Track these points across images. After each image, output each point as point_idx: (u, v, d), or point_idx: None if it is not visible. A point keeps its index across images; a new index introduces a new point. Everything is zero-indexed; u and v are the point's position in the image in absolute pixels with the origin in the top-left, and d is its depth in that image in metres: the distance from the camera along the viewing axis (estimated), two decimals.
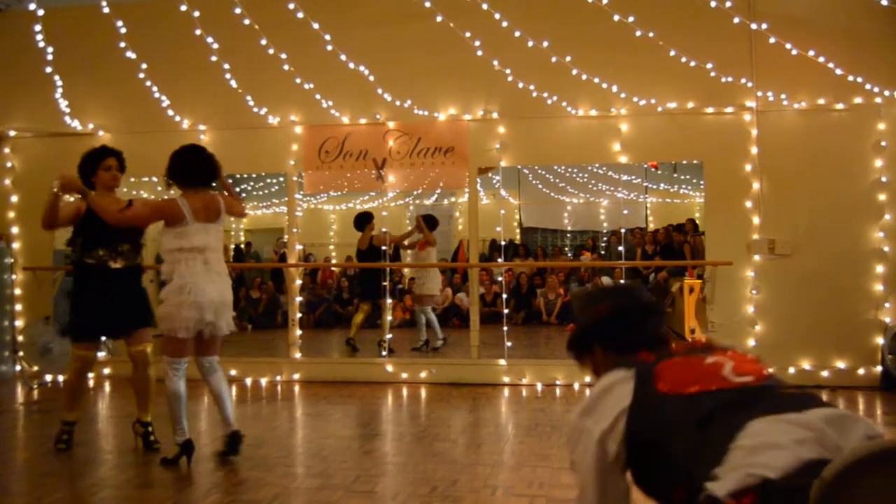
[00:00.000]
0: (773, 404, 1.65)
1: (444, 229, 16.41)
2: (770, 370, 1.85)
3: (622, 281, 9.56)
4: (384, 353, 8.26)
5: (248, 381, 7.73)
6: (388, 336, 8.64)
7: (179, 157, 4.92)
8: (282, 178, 9.77)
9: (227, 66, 7.67)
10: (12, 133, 8.38)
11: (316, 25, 7.32)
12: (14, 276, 8.31)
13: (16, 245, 8.34)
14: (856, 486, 1.41)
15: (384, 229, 9.26)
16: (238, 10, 7.32)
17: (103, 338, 5.57)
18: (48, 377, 7.80)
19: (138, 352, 5.21)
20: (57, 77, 7.91)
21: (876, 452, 1.41)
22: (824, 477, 1.36)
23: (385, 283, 8.78)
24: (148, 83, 7.82)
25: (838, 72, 6.88)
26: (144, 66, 7.74)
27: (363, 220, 9.62)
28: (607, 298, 2.24)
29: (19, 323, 8.19)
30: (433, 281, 9.69)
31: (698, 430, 1.65)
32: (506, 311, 8.24)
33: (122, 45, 7.55)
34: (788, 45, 6.85)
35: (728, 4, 6.90)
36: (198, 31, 7.42)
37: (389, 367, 7.68)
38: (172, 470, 4.48)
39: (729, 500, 1.46)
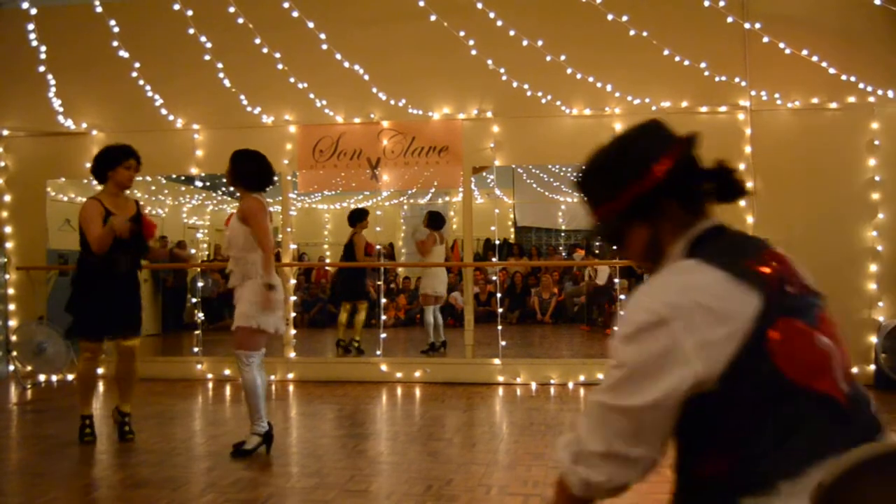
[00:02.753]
0: (861, 434, 1.45)
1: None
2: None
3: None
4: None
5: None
6: (358, 338, 8.69)
7: (255, 161, 5.36)
8: (276, 178, 9.76)
9: (220, 66, 7.65)
10: (5, 132, 8.34)
11: (310, 25, 7.30)
12: (7, 276, 8.28)
13: (9, 245, 8.30)
14: (857, 490, 1.41)
15: (378, 228, 9.24)
16: (232, 9, 7.30)
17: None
18: (41, 377, 7.78)
19: (130, 346, 5.35)
20: (50, 76, 7.88)
21: (876, 455, 1.41)
22: (824, 481, 1.35)
23: (366, 283, 8.78)
24: (141, 82, 7.80)
25: (832, 71, 6.90)
26: (138, 65, 7.72)
27: (355, 218, 9.53)
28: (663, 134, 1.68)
29: (13, 323, 8.16)
30: (433, 280, 9.46)
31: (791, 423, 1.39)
32: (500, 310, 8.25)
33: (116, 44, 7.53)
34: (782, 45, 6.87)
35: (721, 4, 6.92)
36: (191, 30, 7.41)
37: (384, 367, 7.68)
38: (171, 469, 4.48)
39: None
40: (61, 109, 8.09)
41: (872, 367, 6.93)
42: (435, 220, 9.40)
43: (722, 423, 1.41)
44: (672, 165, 1.62)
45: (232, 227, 4.98)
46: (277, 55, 7.53)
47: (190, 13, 7.36)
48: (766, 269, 1.48)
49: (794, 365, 1.40)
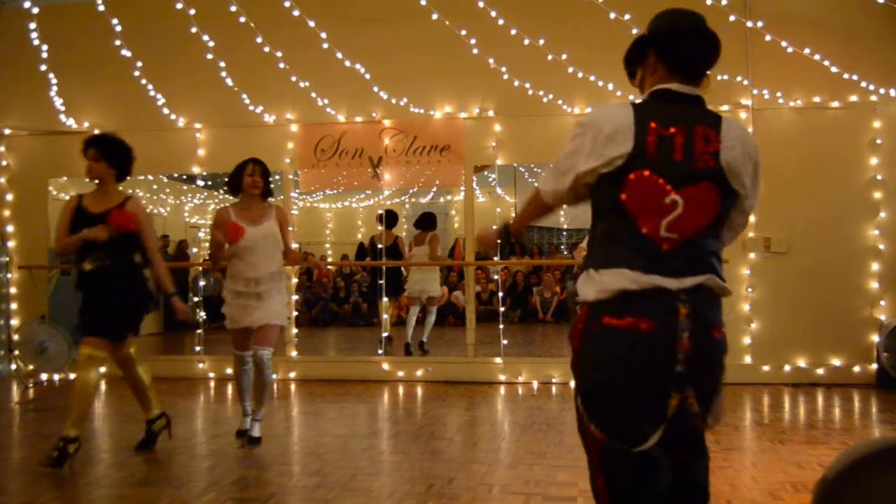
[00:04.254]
0: (669, 270, 1.99)
1: (441, 227, 16.39)
2: (697, 230, 2.05)
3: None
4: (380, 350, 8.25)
5: None
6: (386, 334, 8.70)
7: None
8: (277, 177, 9.74)
9: (222, 64, 7.66)
10: (7, 131, 8.36)
11: (312, 24, 7.30)
12: (9, 275, 8.29)
13: (11, 244, 8.31)
14: (858, 485, 1.41)
15: (378, 227, 9.25)
16: (233, 8, 7.30)
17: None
18: (43, 376, 7.79)
19: (122, 354, 4.98)
20: (52, 75, 7.90)
21: (877, 451, 1.41)
22: (826, 476, 1.36)
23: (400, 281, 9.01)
24: (143, 81, 7.81)
25: (834, 70, 6.89)
26: (140, 64, 7.73)
27: (394, 219, 9.61)
28: (679, 16, 2.29)
29: (14, 322, 8.17)
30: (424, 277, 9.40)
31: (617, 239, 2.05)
32: (502, 309, 8.24)
33: (118, 43, 7.54)
34: (784, 43, 6.86)
35: (724, 2, 6.90)
36: (193, 29, 7.41)
37: (385, 366, 7.68)
38: (173, 468, 4.48)
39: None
40: (63, 108, 8.10)
41: (874, 367, 6.92)
42: (420, 222, 9.31)
43: (596, 213, 2.14)
44: (659, 32, 2.25)
45: (267, 228, 5.06)
46: (279, 54, 7.53)
47: (192, 12, 7.36)
48: (661, 131, 2.05)
49: (634, 201, 2.01)
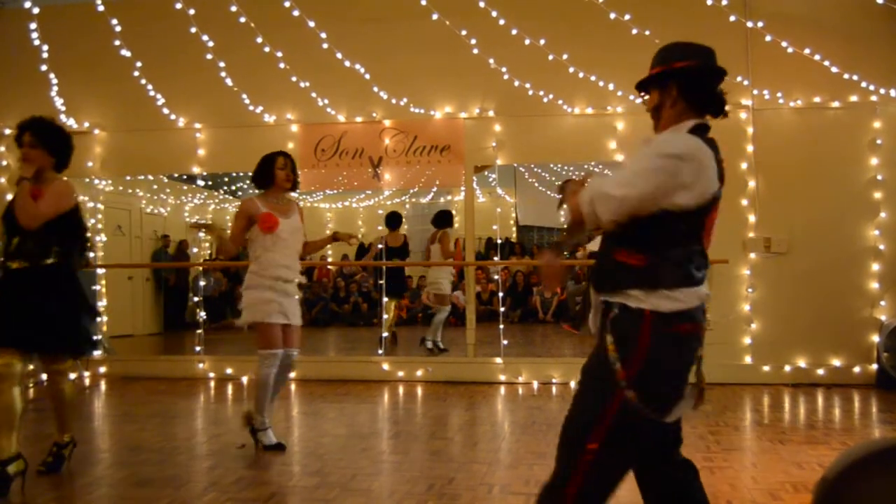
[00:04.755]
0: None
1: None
2: None
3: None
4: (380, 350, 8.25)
5: (245, 379, 7.72)
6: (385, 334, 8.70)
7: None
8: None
9: (222, 65, 7.66)
10: (7, 131, 8.35)
11: (312, 24, 7.31)
12: None
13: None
14: (858, 485, 1.41)
15: (379, 227, 9.27)
16: (234, 9, 7.30)
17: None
18: (44, 376, 7.76)
19: (54, 369, 4.48)
20: (52, 75, 7.90)
21: (877, 452, 1.42)
22: (827, 476, 1.36)
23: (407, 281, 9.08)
24: (143, 81, 7.81)
25: (834, 70, 6.89)
26: (139, 64, 7.74)
27: (397, 220, 9.67)
28: (704, 53, 2.43)
29: None
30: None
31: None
32: (502, 309, 8.25)
33: (118, 43, 7.55)
34: (784, 44, 6.86)
35: (724, 2, 6.91)
36: (193, 30, 7.41)
37: (386, 366, 7.68)
38: (173, 468, 4.48)
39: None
40: (63, 108, 8.09)
41: (874, 367, 6.91)
42: (434, 219, 9.37)
43: (661, 236, 2.26)
44: (684, 68, 2.39)
45: (295, 222, 4.96)
46: (279, 54, 7.53)
47: (192, 12, 7.36)
48: (721, 166, 2.31)
49: (708, 229, 2.32)
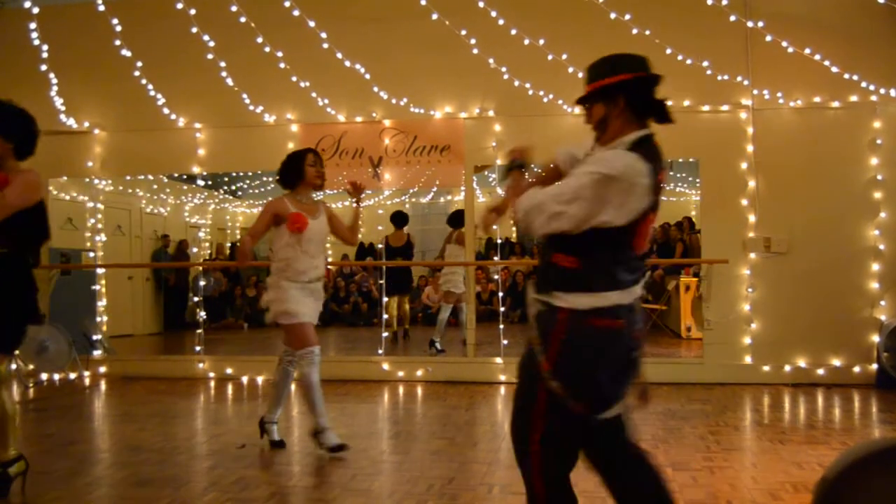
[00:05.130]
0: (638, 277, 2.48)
1: (441, 227, 16.39)
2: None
3: None
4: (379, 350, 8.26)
5: (245, 379, 7.72)
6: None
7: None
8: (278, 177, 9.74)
9: (222, 64, 7.66)
10: None
11: (312, 24, 7.31)
12: None
13: None
14: (858, 485, 1.41)
15: (380, 227, 9.30)
16: (234, 8, 7.30)
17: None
18: (44, 376, 7.79)
19: None
20: (52, 75, 7.90)
21: (877, 451, 1.42)
22: (827, 476, 1.37)
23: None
24: (143, 81, 7.81)
25: (834, 70, 6.89)
26: (140, 64, 7.74)
27: (403, 220, 9.99)
28: (642, 62, 2.52)
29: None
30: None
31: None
32: (502, 309, 8.25)
33: (118, 43, 7.54)
34: (784, 44, 6.86)
35: (724, 2, 6.91)
36: (194, 29, 7.41)
37: (385, 366, 7.68)
38: (173, 468, 4.48)
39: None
40: (63, 108, 8.10)
41: (874, 367, 6.91)
42: (450, 219, 9.61)
43: (592, 244, 2.37)
44: (630, 79, 2.44)
45: (322, 223, 4.95)
46: (279, 54, 7.53)
47: (192, 12, 7.36)
48: (661, 179, 2.40)
49: (639, 236, 2.41)
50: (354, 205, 5.27)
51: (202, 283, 9.21)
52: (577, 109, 7.41)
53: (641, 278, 2.49)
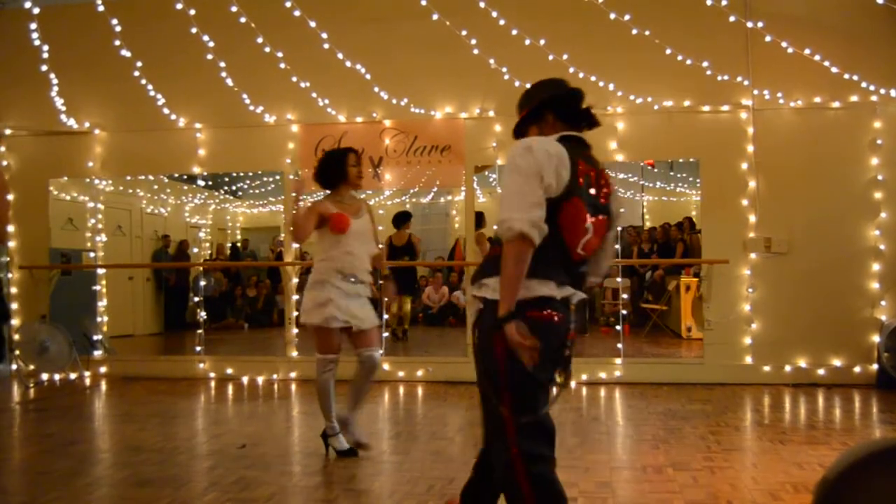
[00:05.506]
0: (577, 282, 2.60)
1: (441, 227, 16.41)
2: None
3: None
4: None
5: (245, 379, 7.73)
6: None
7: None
8: (278, 177, 9.76)
9: (223, 65, 7.66)
10: (8, 131, 8.36)
11: (312, 24, 7.31)
12: (10, 275, 8.29)
13: (11, 243, 8.32)
14: (858, 485, 1.41)
15: (380, 227, 9.29)
16: (234, 9, 7.30)
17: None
18: (44, 376, 7.79)
19: None
20: (52, 75, 7.90)
21: (877, 452, 1.42)
22: (827, 476, 1.37)
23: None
24: (143, 81, 7.81)
25: (834, 70, 6.89)
26: (140, 64, 7.74)
27: (403, 219, 10.15)
28: (561, 83, 2.78)
29: (15, 322, 8.17)
30: None
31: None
32: None
33: (118, 43, 7.55)
34: (784, 44, 6.86)
35: (724, 3, 6.91)
36: (194, 30, 7.41)
37: (386, 366, 7.67)
38: (174, 468, 4.48)
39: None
40: (64, 108, 8.10)
41: (875, 367, 6.91)
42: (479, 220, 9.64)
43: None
44: (551, 96, 2.70)
45: (365, 222, 4.81)
46: (280, 54, 7.53)
47: (192, 12, 7.36)
48: (584, 168, 2.55)
49: (566, 223, 2.48)
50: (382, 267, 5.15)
51: (202, 283, 9.21)
52: None
53: (581, 285, 2.62)
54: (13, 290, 8.29)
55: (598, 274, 2.85)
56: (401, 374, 7.64)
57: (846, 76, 6.91)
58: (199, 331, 8.22)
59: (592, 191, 2.57)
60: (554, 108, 2.69)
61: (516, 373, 2.43)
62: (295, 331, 7.96)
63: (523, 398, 2.49)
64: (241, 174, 13.76)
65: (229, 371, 7.88)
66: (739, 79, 7.11)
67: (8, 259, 8.33)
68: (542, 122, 2.70)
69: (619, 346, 7.51)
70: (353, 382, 4.76)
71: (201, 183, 13.54)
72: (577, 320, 2.65)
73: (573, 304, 2.58)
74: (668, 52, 6.98)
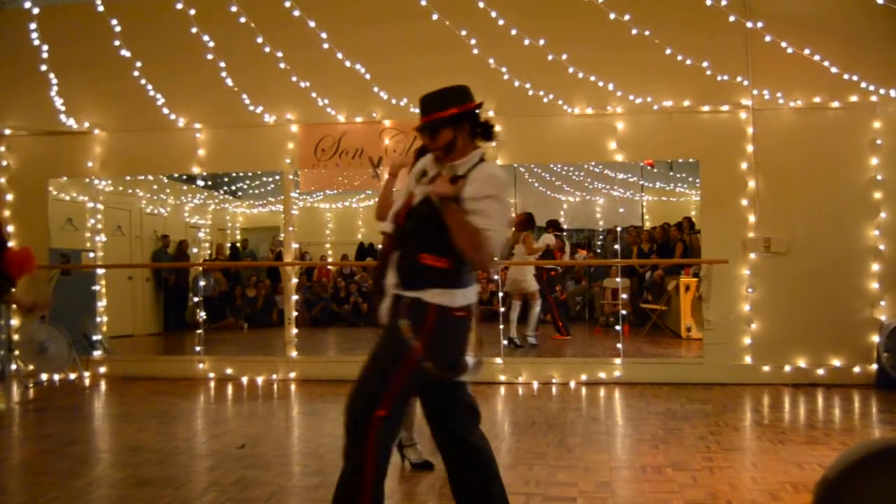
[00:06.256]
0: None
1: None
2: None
3: None
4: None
5: (245, 379, 7.72)
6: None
7: None
8: (277, 177, 9.76)
9: (222, 65, 7.66)
10: (7, 131, 8.35)
11: (312, 24, 7.30)
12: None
13: (11, 244, 8.30)
14: (858, 485, 1.41)
15: None
16: (234, 8, 7.30)
17: None
18: (43, 376, 7.78)
19: None
20: (52, 75, 7.89)
21: (877, 451, 1.42)
22: (827, 476, 1.37)
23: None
24: (143, 81, 7.80)
25: (834, 70, 6.89)
26: (139, 64, 7.73)
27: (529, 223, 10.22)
28: (472, 94, 2.98)
29: (15, 322, 8.17)
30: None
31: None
32: (502, 309, 8.24)
33: (117, 43, 7.54)
34: (784, 44, 6.86)
35: (724, 3, 6.90)
36: (193, 30, 7.41)
37: None
38: (173, 468, 4.48)
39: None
40: (63, 108, 8.09)
41: (874, 367, 6.91)
42: (525, 222, 9.88)
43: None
44: (474, 107, 2.93)
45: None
46: (279, 54, 7.53)
47: (192, 12, 7.36)
48: None
49: None
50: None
51: (202, 283, 9.20)
52: (577, 109, 7.42)
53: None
54: (12, 290, 8.27)
55: None
56: None
57: (846, 76, 6.91)
58: (199, 331, 8.22)
59: None
60: (472, 119, 2.93)
61: (437, 359, 2.77)
62: (294, 331, 7.96)
63: (413, 384, 2.84)
64: (241, 174, 13.74)
65: (229, 371, 7.87)
66: (739, 79, 7.11)
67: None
68: (459, 129, 2.90)
69: (619, 346, 7.51)
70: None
71: (201, 183, 13.53)
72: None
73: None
74: (668, 51, 6.98)
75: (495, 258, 2.81)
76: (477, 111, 2.96)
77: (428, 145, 2.97)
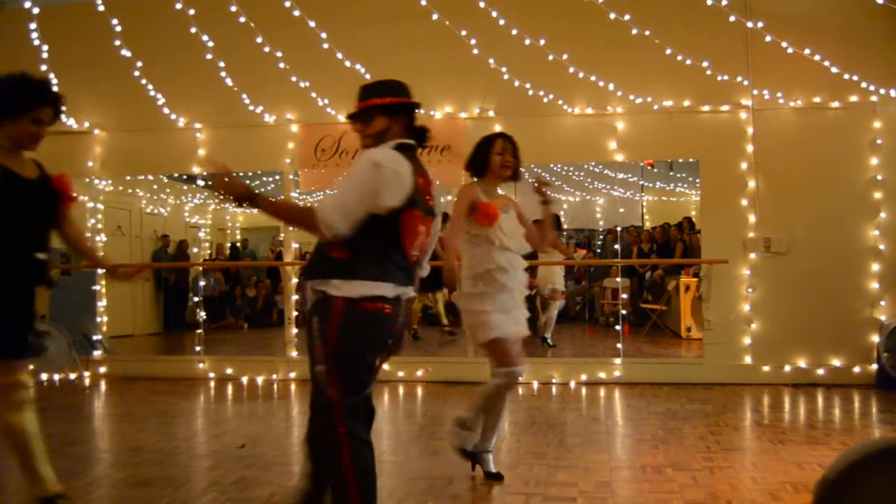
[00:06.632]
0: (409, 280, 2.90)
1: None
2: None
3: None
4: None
5: (245, 379, 7.72)
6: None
7: None
8: (278, 177, 9.76)
9: (222, 64, 7.66)
10: None
11: (312, 23, 7.30)
12: None
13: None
14: (858, 485, 1.41)
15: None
16: (233, 8, 7.30)
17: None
18: (43, 376, 7.78)
19: (11, 382, 3.33)
20: (52, 75, 7.85)
21: (877, 451, 1.42)
22: (827, 476, 1.37)
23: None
24: (143, 81, 7.80)
25: (834, 70, 6.89)
26: (140, 63, 7.73)
27: None
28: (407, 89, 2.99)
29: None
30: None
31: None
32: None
33: (118, 43, 7.54)
34: (784, 44, 6.86)
35: (724, 3, 6.90)
36: (193, 29, 7.41)
37: (385, 366, 7.65)
38: (173, 468, 4.48)
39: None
40: (63, 108, 8.07)
41: (874, 367, 6.91)
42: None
43: (362, 236, 2.71)
44: (413, 103, 2.98)
45: (513, 218, 4.19)
46: (279, 54, 7.53)
47: (192, 12, 7.36)
48: (420, 178, 2.85)
49: (406, 229, 2.78)
50: (544, 205, 4.38)
51: (202, 283, 9.21)
52: (577, 109, 7.42)
53: (412, 282, 2.91)
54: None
55: (423, 268, 3.03)
56: (400, 373, 7.64)
57: (846, 76, 6.91)
58: (199, 331, 8.23)
59: (427, 197, 2.89)
60: (409, 114, 2.95)
61: (346, 356, 2.71)
62: (294, 331, 7.96)
63: (351, 380, 2.74)
64: (241, 174, 13.72)
65: (229, 371, 7.87)
66: (739, 79, 7.11)
67: None
68: (395, 120, 2.91)
69: (619, 346, 7.51)
70: (487, 406, 4.15)
71: (201, 183, 13.52)
72: (405, 316, 2.97)
73: (404, 300, 2.87)
74: (668, 51, 6.98)
75: (333, 224, 2.63)
76: (416, 110, 2.98)
77: (359, 132, 2.94)
